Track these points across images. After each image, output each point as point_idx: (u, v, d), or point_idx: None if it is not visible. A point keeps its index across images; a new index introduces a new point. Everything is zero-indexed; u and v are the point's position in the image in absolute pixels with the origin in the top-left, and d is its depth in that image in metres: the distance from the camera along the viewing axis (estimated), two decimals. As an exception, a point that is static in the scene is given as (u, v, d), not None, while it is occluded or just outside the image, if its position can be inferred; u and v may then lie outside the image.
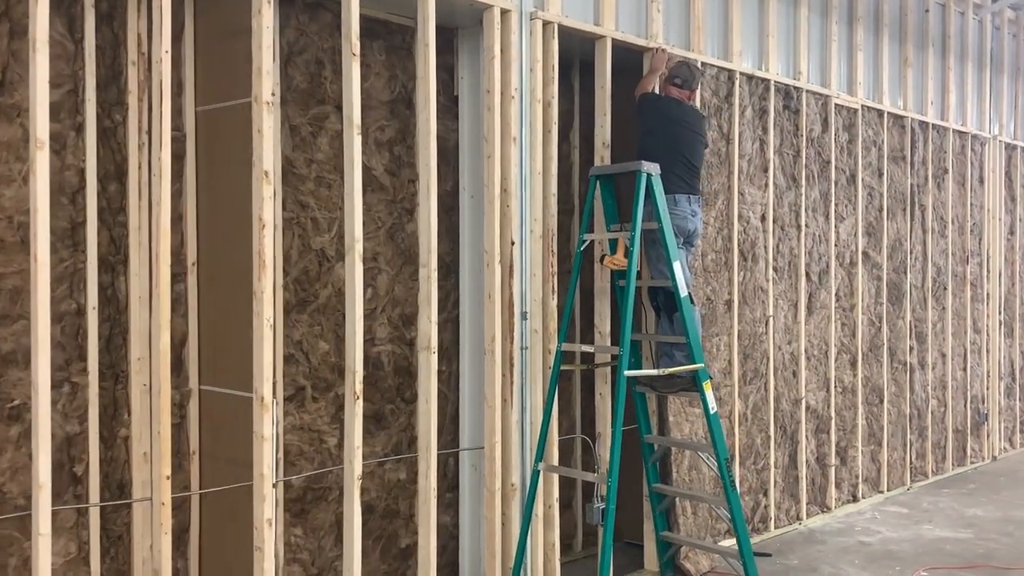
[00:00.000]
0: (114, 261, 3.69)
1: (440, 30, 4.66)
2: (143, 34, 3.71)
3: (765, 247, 5.83)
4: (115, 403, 3.70)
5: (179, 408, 3.86)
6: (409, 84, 4.59)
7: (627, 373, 4.08)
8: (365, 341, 4.38)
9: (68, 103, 3.58)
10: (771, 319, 5.85)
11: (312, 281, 4.22)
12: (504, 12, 4.33)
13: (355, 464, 3.79)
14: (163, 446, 3.33)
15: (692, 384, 4.53)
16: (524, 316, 4.45)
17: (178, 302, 3.84)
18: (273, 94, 3.60)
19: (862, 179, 6.64)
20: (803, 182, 6.09)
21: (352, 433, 3.79)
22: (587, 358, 4.87)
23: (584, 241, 4.46)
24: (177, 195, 3.85)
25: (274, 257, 3.88)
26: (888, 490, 6.90)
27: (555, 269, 4.59)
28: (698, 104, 5.14)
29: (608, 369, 4.80)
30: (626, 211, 4.61)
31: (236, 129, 3.69)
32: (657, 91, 4.86)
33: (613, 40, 4.83)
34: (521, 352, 4.45)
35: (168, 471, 3.36)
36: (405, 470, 4.59)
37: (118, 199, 3.70)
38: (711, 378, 4.64)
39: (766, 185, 5.83)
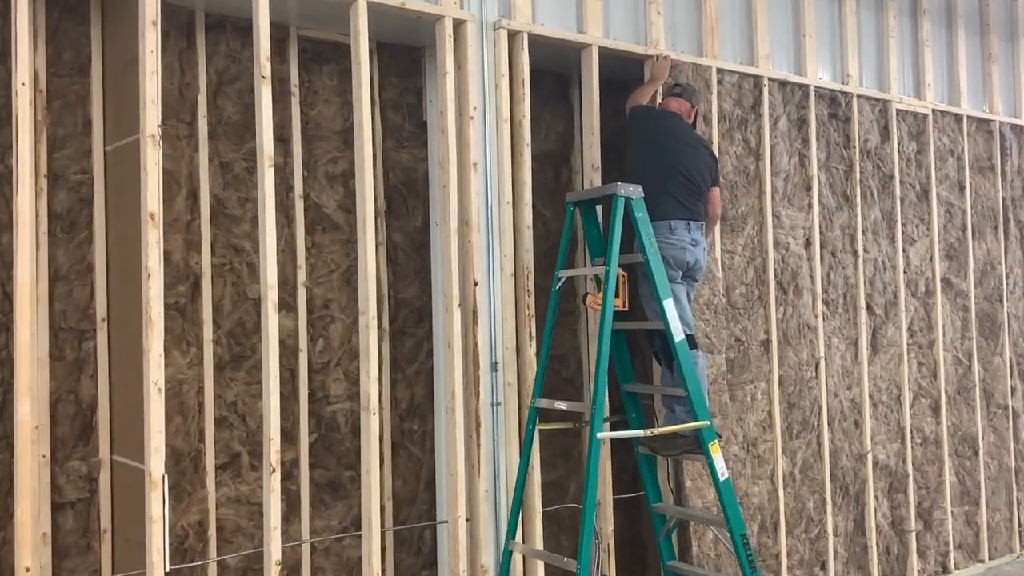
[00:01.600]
0: (6, 320, 3.33)
1: (407, 50, 4.21)
2: (40, 70, 3.38)
3: (811, 277, 5.01)
4: (10, 477, 3.32)
5: (88, 481, 3.45)
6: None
7: (600, 436, 3.41)
8: (318, 399, 3.92)
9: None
10: (822, 361, 5.01)
11: (249, 334, 3.77)
12: (458, 23, 3.80)
13: (273, 548, 3.26)
14: (22, 533, 2.89)
15: (698, 445, 3.81)
16: (494, 367, 3.85)
17: (86, 362, 3.45)
18: (158, 124, 3.16)
19: (937, 194, 5.72)
20: (858, 201, 5.25)
21: (270, 512, 3.28)
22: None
23: (560, 279, 3.83)
24: (86, 243, 3.48)
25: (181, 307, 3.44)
26: (990, 558, 5.83)
27: (533, 312, 3.98)
28: (700, 126, 4.45)
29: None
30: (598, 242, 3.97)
31: (135, 168, 3.29)
32: (654, 104, 4.22)
33: (601, 48, 4.22)
34: (492, 409, 3.84)
35: (27, 562, 2.92)
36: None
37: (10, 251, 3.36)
38: (719, 437, 3.90)
39: (809, 206, 5.04)
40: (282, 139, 3.89)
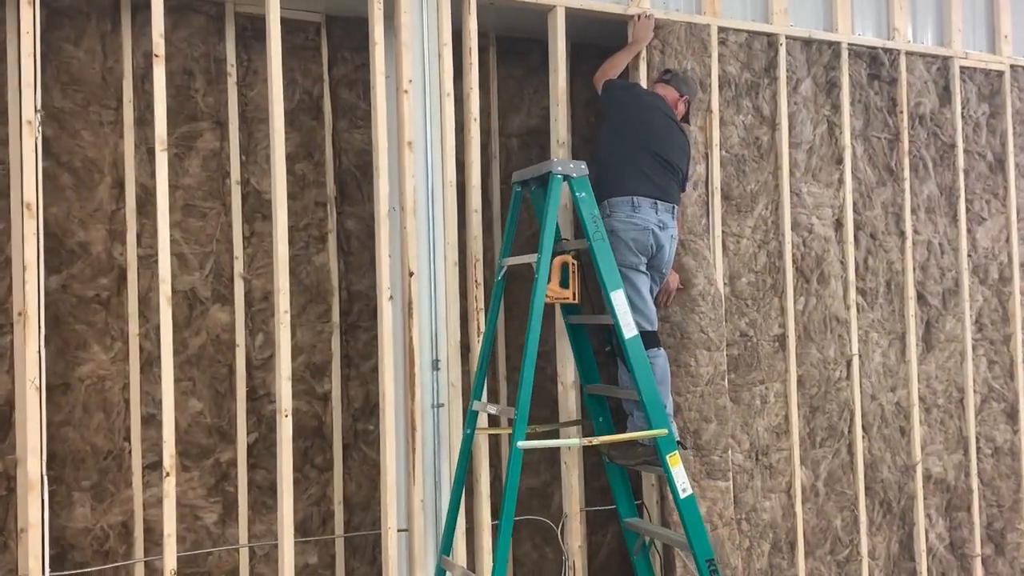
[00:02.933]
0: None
1: (362, 23, 3.90)
2: (-42, 56, 3.30)
3: (842, 263, 4.37)
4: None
5: (5, 479, 3.37)
6: (315, 89, 3.86)
7: (521, 445, 3.01)
8: (259, 397, 3.72)
9: None
10: (856, 358, 4.37)
11: (180, 328, 3.59)
12: (386, -13, 3.47)
13: (167, 557, 3.06)
14: None
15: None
16: (436, 365, 3.52)
17: (2, 357, 3.37)
18: (39, 111, 3.00)
19: (1017, 164, 4.90)
20: (906, 174, 4.55)
21: (164, 519, 3.08)
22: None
23: (503, 268, 3.45)
24: (4, 235, 3.39)
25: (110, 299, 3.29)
26: (1083, 589, 4.99)
27: (482, 305, 3.61)
28: (694, 124, 3.96)
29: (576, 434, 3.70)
30: (565, 225, 3.55)
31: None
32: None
33: (570, 10, 3.77)
34: (433, 411, 3.51)
35: None
36: (316, 553, 3.80)
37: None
38: (681, 446, 3.41)
39: (839, 181, 4.39)
40: (218, 122, 3.69)
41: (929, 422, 4.60)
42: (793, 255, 4.24)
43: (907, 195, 4.55)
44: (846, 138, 4.39)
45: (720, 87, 4.09)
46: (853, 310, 4.38)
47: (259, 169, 3.76)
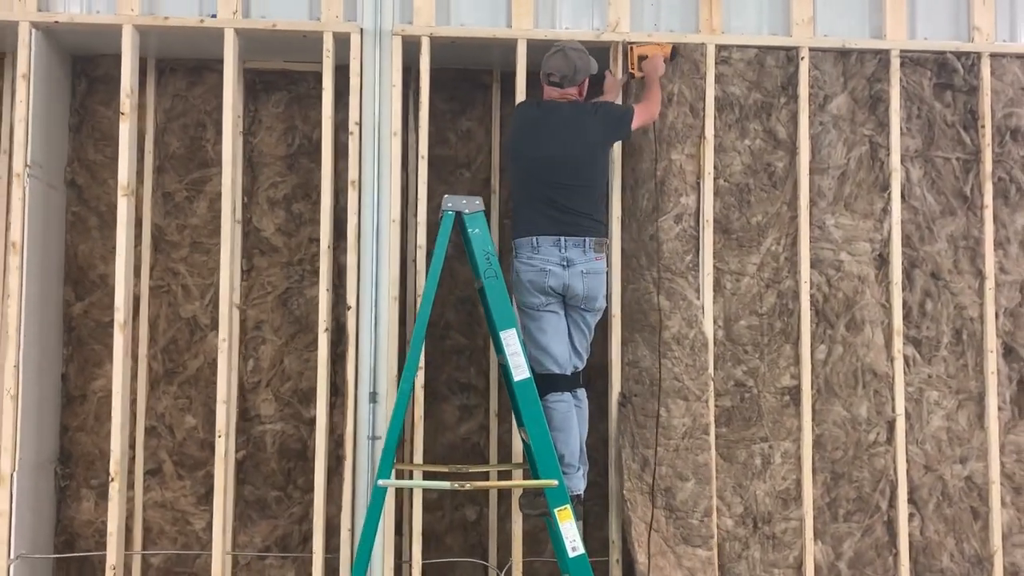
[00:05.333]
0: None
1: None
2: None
3: (885, 306, 3.73)
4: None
5: None
6: (313, 133, 4.15)
7: (382, 483, 2.99)
8: (251, 418, 4.05)
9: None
10: (901, 420, 3.69)
11: (181, 351, 4.04)
12: (341, 37, 3.66)
13: (111, 554, 3.47)
14: None
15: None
16: (373, 398, 3.60)
17: None
18: (33, 165, 3.56)
19: None
20: (987, 201, 3.77)
21: (112, 519, 3.49)
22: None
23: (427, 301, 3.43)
24: None
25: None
26: None
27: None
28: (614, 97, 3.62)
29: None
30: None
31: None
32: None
33: (532, 42, 3.68)
34: (369, 443, 3.59)
35: None
36: (294, 570, 4.03)
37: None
38: (577, 500, 3.14)
39: (884, 211, 3.76)
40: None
41: (1018, 505, 3.73)
42: (813, 296, 3.71)
43: (988, 226, 3.77)
44: (895, 159, 3.76)
45: (720, 110, 3.72)
46: (899, 363, 3.71)
47: (259, 209, 4.11)
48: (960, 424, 3.75)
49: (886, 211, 3.76)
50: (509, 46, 3.71)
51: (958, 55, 3.81)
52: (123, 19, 3.57)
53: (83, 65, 4.04)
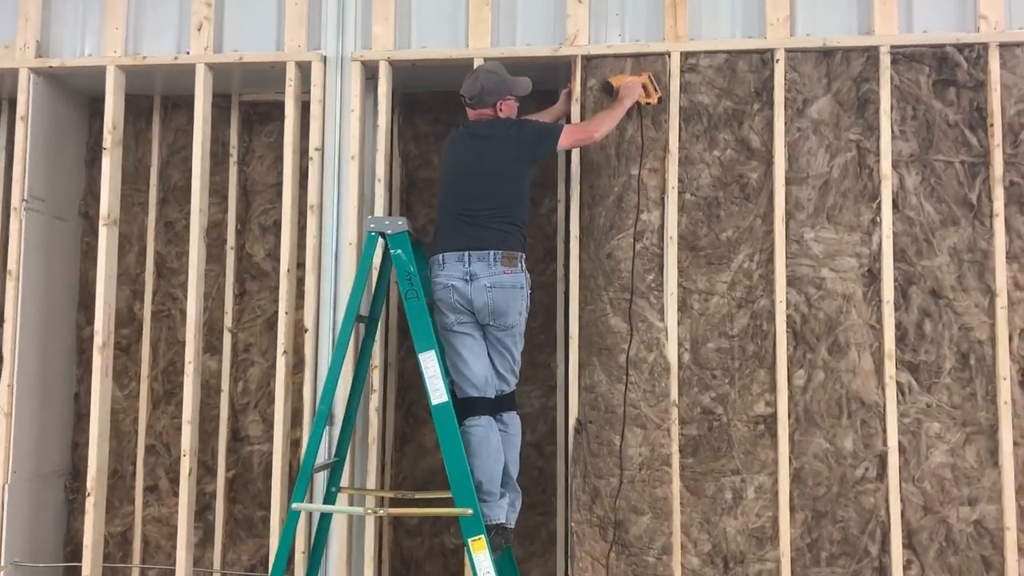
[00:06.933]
0: None
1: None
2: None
3: (874, 327, 3.38)
4: None
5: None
6: (302, 162, 4.26)
7: (296, 506, 2.98)
8: (241, 438, 4.19)
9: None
10: (894, 454, 3.32)
11: (179, 373, 4.22)
12: (303, 65, 3.74)
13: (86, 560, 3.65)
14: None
15: (501, 536, 3.03)
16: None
17: None
18: (32, 199, 3.84)
19: None
20: (996, 208, 3.35)
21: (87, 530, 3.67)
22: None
23: (351, 324, 3.41)
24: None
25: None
26: None
27: (378, 362, 3.61)
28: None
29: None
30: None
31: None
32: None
33: (487, 61, 3.62)
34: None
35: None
36: (277, 588, 4.08)
37: None
38: (498, 530, 3.00)
39: (874, 222, 3.41)
40: (223, 196, 4.27)
41: (1040, 556, 3.26)
42: (790, 316, 3.41)
43: (999, 236, 3.35)
44: (885, 167, 3.41)
45: (686, 120, 3.51)
46: (891, 390, 3.34)
47: (252, 235, 4.25)
48: (968, 461, 3.32)
49: (875, 223, 3.41)
50: (468, 66, 3.67)
51: (960, 47, 3.42)
52: (107, 60, 3.81)
53: (99, 105, 4.34)
